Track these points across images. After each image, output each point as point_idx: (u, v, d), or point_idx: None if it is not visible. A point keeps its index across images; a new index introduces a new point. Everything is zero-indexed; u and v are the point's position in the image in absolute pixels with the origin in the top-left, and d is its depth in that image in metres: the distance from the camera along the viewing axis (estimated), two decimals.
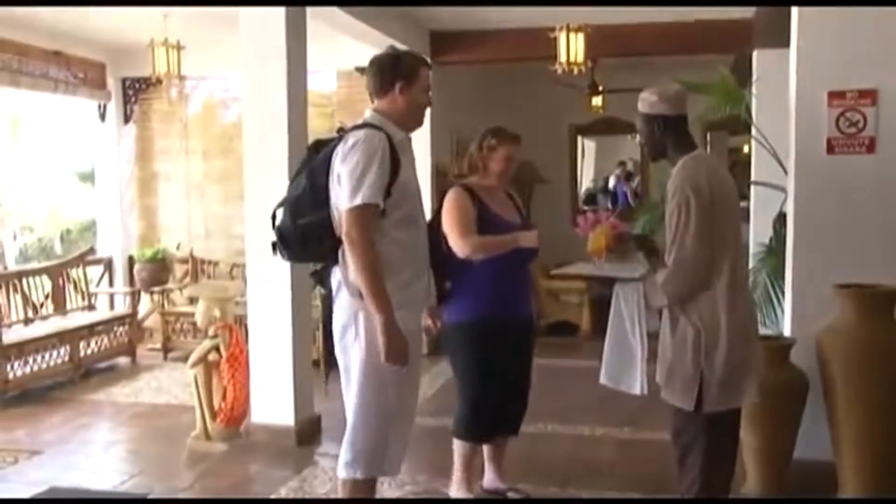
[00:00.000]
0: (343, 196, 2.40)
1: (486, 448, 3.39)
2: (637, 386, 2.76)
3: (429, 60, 2.73)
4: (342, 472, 2.60)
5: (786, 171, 3.78)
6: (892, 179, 3.38)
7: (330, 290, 2.58)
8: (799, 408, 3.35)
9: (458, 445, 3.30)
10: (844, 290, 3.22)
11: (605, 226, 2.75)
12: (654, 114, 2.64)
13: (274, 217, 2.60)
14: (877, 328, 3.14)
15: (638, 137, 2.76)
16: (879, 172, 3.38)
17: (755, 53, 5.43)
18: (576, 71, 5.13)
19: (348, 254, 2.40)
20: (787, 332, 3.59)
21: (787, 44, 3.56)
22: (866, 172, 3.38)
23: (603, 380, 2.89)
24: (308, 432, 4.30)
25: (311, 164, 2.54)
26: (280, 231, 2.55)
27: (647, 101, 2.66)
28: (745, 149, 4.98)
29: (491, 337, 3.13)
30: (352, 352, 2.51)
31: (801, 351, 3.33)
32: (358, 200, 2.36)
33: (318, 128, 6.57)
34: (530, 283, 3.38)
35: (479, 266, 3.08)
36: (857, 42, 3.36)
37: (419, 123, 2.65)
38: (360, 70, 6.73)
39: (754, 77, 5.21)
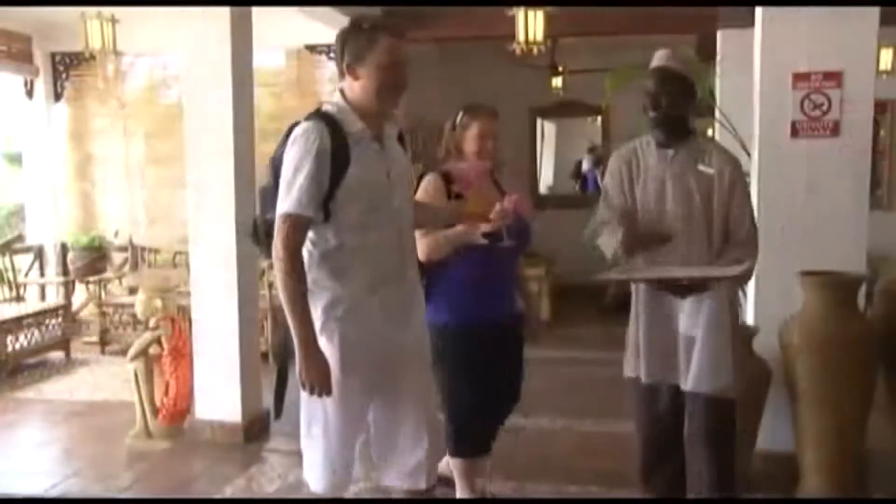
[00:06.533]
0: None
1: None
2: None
3: (397, 29, 2.28)
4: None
5: (749, 155, 3.74)
6: (855, 163, 3.35)
7: None
8: (761, 398, 3.30)
9: (456, 463, 3.00)
10: (808, 276, 3.18)
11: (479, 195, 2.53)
12: (692, 81, 2.54)
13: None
14: (841, 316, 3.10)
15: (656, 103, 2.53)
16: (843, 156, 3.34)
17: (719, 33, 5.39)
18: (535, 51, 5.02)
19: (274, 264, 2.19)
20: (749, 320, 3.55)
21: (752, 23, 3.51)
22: (830, 156, 3.35)
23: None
24: (256, 428, 4.17)
25: (276, 152, 2.27)
26: (254, 222, 2.36)
27: (686, 65, 2.55)
28: (709, 132, 4.94)
29: (477, 342, 2.83)
30: None
31: (763, 340, 3.29)
32: (284, 208, 2.13)
33: (266, 108, 6.37)
34: (516, 278, 3.07)
35: (459, 263, 2.76)
36: (822, 22, 3.31)
37: (387, 106, 2.28)
38: (310, 48, 6.61)
39: (718, 58, 5.16)
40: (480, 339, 2.84)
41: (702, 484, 2.65)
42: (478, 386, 2.88)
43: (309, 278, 2.20)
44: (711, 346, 2.53)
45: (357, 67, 2.20)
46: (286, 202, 2.13)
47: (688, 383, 2.58)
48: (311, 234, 2.20)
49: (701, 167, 2.55)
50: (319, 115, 2.21)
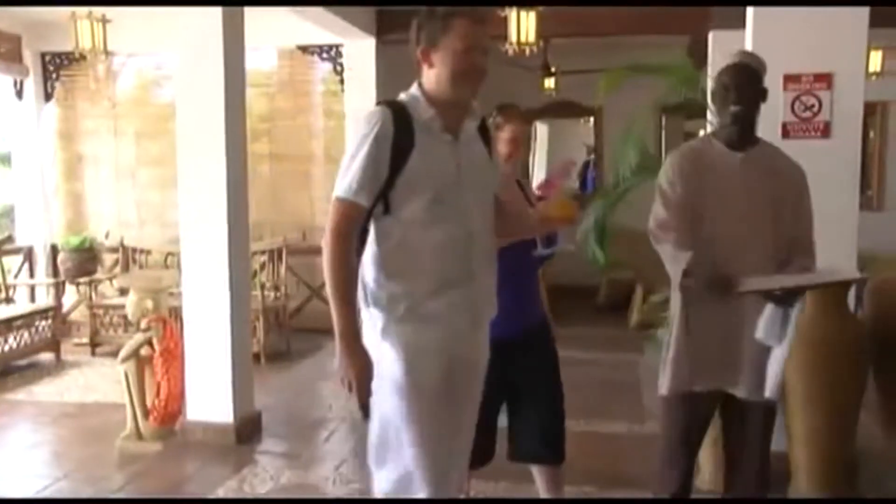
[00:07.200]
0: None
1: (536, 475, 2.96)
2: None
3: (478, 11, 2.11)
4: None
5: None
6: (846, 165, 3.36)
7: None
8: None
9: None
10: None
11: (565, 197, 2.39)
12: (763, 81, 2.47)
13: None
14: (831, 317, 3.12)
15: (740, 96, 2.42)
16: (834, 157, 3.36)
17: (711, 35, 5.39)
18: (527, 52, 5.01)
19: (323, 250, 2.08)
20: None
21: (743, 25, 3.51)
22: (821, 157, 3.34)
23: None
24: (248, 429, 4.15)
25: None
26: None
27: (764, 67, 2.49)
28: (701, 133, 4.94)
29: (496, 356, 2.47)
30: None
31: None
32: (337, 192, 2.05)
33: (258, 109, 6.35)
34: (539, 286, 2.92)
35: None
36: (813, 24, 3.33)
37: (462, 94, 2.10)
38: (303, 49, 6.58)
39: (710, 59, 5.17)
40: (503, 352, 2.49)
41: (760, 480, 2.63)
42: (489, 400, 2.55)
43: (370, 279, 2.10)
44: (783, 354, 2.44)
45: (431, 53, 2.08)
46: (339, 187, 2.04)
47: (766, 392, 2.47)
48: (373, 230, 2.10)
49: (771, 173, 2.46)
50: (388, 102, 2.12)
